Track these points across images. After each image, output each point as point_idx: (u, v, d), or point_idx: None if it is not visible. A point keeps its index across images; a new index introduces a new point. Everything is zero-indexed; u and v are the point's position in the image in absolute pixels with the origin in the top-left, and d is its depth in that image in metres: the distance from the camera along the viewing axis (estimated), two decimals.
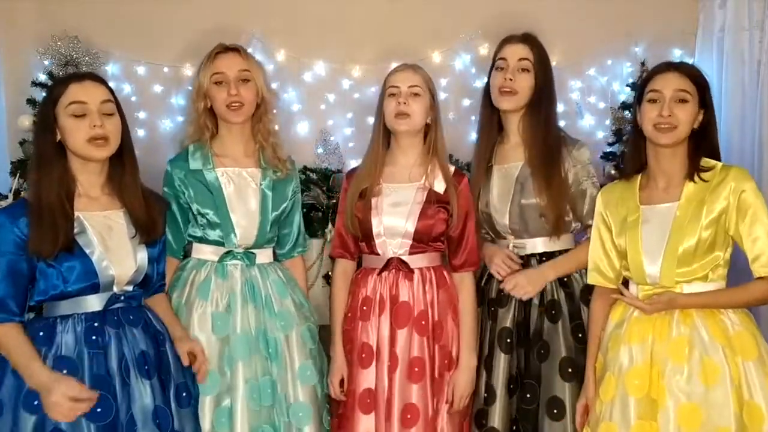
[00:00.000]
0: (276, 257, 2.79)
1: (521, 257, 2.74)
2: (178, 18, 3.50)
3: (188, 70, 3.50)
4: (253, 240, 2.65)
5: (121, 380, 2.22)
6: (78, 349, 2.21)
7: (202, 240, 2.68)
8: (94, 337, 2.22)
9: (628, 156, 2.61)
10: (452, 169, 2.75)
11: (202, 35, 3.44)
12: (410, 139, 2.70)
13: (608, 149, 3.43)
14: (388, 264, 2.68)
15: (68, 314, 2.25)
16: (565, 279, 2.71)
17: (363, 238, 2.71)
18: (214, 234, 2.65)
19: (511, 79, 2.71)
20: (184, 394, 2.36)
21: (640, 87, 2.52)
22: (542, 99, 2.76)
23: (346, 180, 2.78)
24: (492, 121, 2.84)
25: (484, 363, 2.71)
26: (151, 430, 2.23)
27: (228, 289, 2.61)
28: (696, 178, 2.40)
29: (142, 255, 2.34)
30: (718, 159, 2.46)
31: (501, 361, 2.66)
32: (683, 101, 2.39)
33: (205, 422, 2.49)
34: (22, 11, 3.49)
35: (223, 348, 2.56)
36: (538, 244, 2.74)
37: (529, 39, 2.77)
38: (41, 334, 2.22)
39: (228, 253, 2.65)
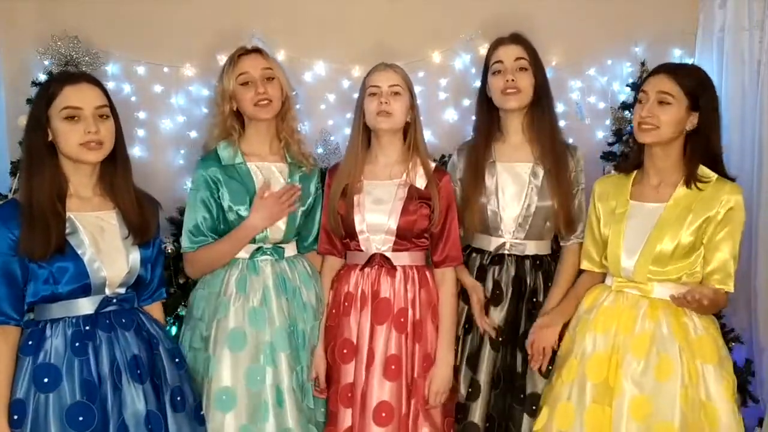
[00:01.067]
0: (299, 250, 2.83)
1: (516, 258, 2.76)
2: (178, 18, 3.50)
3: (188, 70, 3.51)
4: (282, 234, 2.69)
5: (113, 385, 2.19)
6: (68, 355, 2.18)
7: None
8: (78, 344, 2.18)
9: (630, 152, 2.68)
10: (433, 165, 2.78)
11: (202, 35, 3.46)
12: (390, 138, 2.73)
13: (608, 149, 3.43)
14: (371, 260, 2.69)
15: (59, 318, 2.22)
16: (551, 283, 2.76)
17: (346, 235, 2.73)
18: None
19: (513, 80, 2.72)
20: (178, 398, 2.31)
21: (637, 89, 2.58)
22: (543, 97, 2.78)
23: (328, 176, 2.80)
24: (492, 121, 2.85)
25: (470, 359, 2.73)
26: None
27: (261, 284, 2.64)
28: (691, 186, 2.45)
29: (135, 256, 2.31)
30: (720, 163, 2.49)
31: (487, 358, 2.70)
32: (664, 103, 2.44)
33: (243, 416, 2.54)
34: (22, 11, 3.49)
35: (262, 341, 2.60)
36: (533, 247, 2.78)
37: (520, 39, 2.79)
38: (30, 342, 2.19)
39: (258, 249, 2.68)
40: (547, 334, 2.63)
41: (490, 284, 2.76)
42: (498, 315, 2.73)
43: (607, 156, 3.41)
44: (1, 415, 2.12)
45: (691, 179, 2.45)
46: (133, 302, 2.35)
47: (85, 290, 2.23)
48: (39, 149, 2.23)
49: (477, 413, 2.68)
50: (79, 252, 2.21)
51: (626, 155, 3.31)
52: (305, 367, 2.66)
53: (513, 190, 2.77)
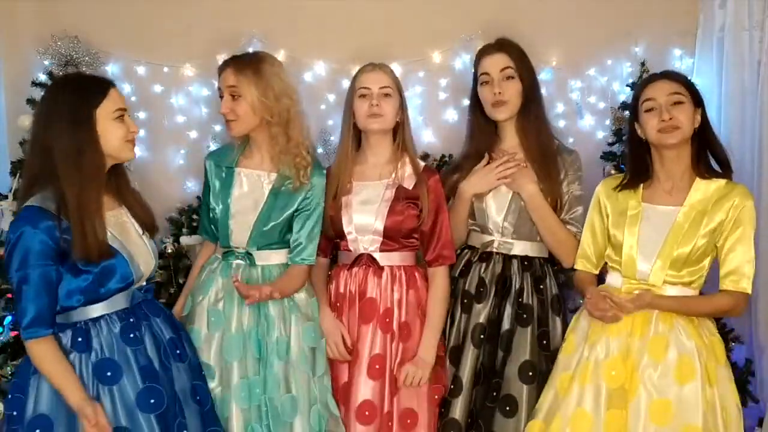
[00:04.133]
0: None
1: (504, 256, 2.77)
2: (178, 18, 3.50)
3: (188, 70, 3.50)
4: (245, 242, 2.66)
5: (163, 367, 2.31)
6: (118, 348, 2.25)
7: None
8: (132, 335, 2.28)
9: (630, 169, 2.63)
10: (422, 165, 2.78)
11: (202, 35, 3.46)
12: (380, 138, 2.74)
13: (608, 149, 3.43)
14: (358, 260, 2.71)
15: (98, 316, 2.26)
16: (541, 286, 2.76)
17: (337, 236, 2.74)
18: (216, 230, 2.71)
19: (500, 92, 2.74)
20: (202, 372, 2.49)
21: (633, 101, 2.59)
22: (530, 99, 2.80)
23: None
24: (487, 126, 2.86)
25: (452, 354, 2.75)
26: (193, 408, 2.36)
27: (227, 287, 2.64)
28: (706, 176, 2.47)
29: (155, 249, 2.43)
30: (725, 156, 2.51)
31: (470, 355, 2.71)
32: (679, 103, 2.46)
33: None
34: (22, 11, 3.49)
35: (218, 345, 2.59)
36: (523, 247, 2.78)
37: (504, 46, 2.80)
38: (79, 340, 2.23)
39: (231, 252, 2.69)
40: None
41: (475, 280, 2.78)
42: (481, 312, 2.74)
43: (607, 156, 3.41)
44: (80, 394, 2.16)
45: (704, 170, 2.48)
46: (152, 292, 2.46)
47: (128, 287, 2.30)
48: (90, 147, 2.22)
49: (458, 409, 2.68)
50: (121, 252, 2.27)
51: (623, 157, 3.32)
52: (266, 380, 2.59)
53: (499, 190, 2.78)
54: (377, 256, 2.70)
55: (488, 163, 2.78)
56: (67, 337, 2.23)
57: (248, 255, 2.67)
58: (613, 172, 3.35)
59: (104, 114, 2.25)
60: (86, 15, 3.45)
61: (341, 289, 2.73)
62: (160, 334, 2.36)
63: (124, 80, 3.49)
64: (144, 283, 2.39)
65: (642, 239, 2.48)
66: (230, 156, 2.72)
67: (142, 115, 3.51)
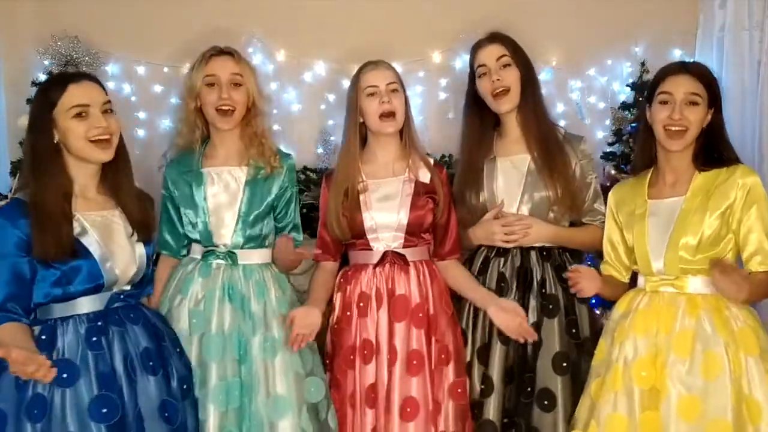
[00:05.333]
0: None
1: (522, 249, 2.74)
2: (178, 18, 3.50)
3: (188, 70, 3.50)
4: (230, 240, 2.65)
5: (128, 378, 2.22)
6: (81, 350, 2.19)
7: (193, 240, 2.71)
8: (95, 339, 2.21)
9: (638, 153, 2.64)
10: (432, 160, 2.79)
11: (202, 35, 3.44)
12: (390, 135, 2.72)
13: (608, 149, 3.43)
14: (383, 258, 2.68)
15: (68, 316, 2.24)
16: (563, 275, 2.71)
17: (353, 236, 2.71)
18: (196, 233, 2.67)
19: (499, 80, 2.73)
20: (185, 387, 2.37)
21: (651, 86, 2.54)
22: (528, 88, 2.77)
23: (324, 183, 2.78)
24: (485, 121, 2.84)
25: (480, 354, 2.71)
26: (159, 425, 2.24)
27: (207, 287, 2.62)
28: (705, 169, 2.44)
29: (141, 253, 2.35)
30: (732, 154, 2.48)
31: (498, 353, 2.67)
32: (694, 104, 2.42)
33: None
34: (22, 11, 3.50)
35: (198, 345, 2.56)
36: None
37: (497, 37, 2.79)
38: (43, 337, 2.21)
39: (211, 252, 2.66)
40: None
41: (495, 276, 2.74)
42: None
43: (607, 156, 3.41)
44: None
45: (704, 163, 2.45)
46: (138, 297, 2.39)
47: (98, 289, 2.25)
48: (45, 151, 2.24)
49: (492, 410, 2.63)
50: (91, 252, 2.23)
51: (628, 156, 3.31)
52: (247, 380, 2.56)
53: (511, 182, 2.76)
54: (403, 251, 2.68)
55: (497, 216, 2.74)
56: (35, 334, 2.21)
57: (230, 254, 2.65)
58: (613, 172, 3.36)
59: (61, 113, 2.23)
60: (86, 15, 3.46)
61: (364, 289, 2.68)
62: (133, 342, 2.27)
63: (124, 80, 3.50)
64: (128, 288, 2.33)
65: (651, 235, 2.47)
66: (191, 160, 2.69)
67: (142, 115, 3.52)
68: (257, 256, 2.69)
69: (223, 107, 2.61)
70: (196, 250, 2.69)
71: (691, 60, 3.43)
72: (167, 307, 2.62)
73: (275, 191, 2.70)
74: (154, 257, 2.52)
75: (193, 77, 2.66)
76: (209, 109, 2.64)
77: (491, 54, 2.75)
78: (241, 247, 2.65)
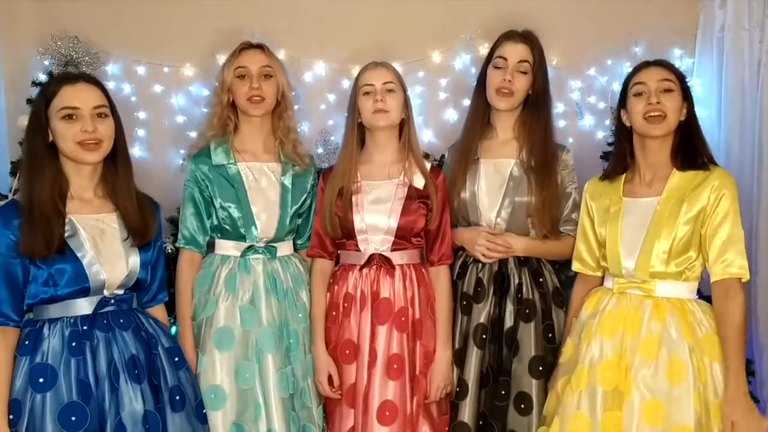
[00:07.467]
0: (295, 248, 2.86)
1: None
2: (178, 18, 3.50)
3: (188, 70, 3.51)
4: (273, 233, 2.72)
5: (110, 385, 2.19)
6: (64, 354, 2.18)
7: (225, 236, 2.74)
8: (75, 344, 2.19)
9: (613, 158, 2.66)
10: (428, 165, 2.79)
11: (202, 35, 3.47)
12: (387, 136, 2.74)
13: (608, 149, 3.43)
14: (370, 260, 2.69)
15: (57, 317, 2.22)
16: (540, 279, 2.75)
17: (343, 236, 2.73)
18: (236, 228, 2.70)
19: (510, 80, 2.73)
20: (177, 398, 2.30)
21: (622, 88, 2.57)
22: (540, 98, 2.78)
23: (322, 180, 2.80)
24: (483, 116, 2.86)
25: (456, 357, 2.73)
26: None
27: (251, 283, 2.67)
28: (686, 170, 2.45)
29: (134, 259, 2.32)
30: (708, 153, 2.49)
31: (474, 356, 2.69)
32: (669, 90, 2.45)
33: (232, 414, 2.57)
34: (22, 11, 3.49)
35: (251, 339, 2.63)
36: None
37: (529, 38, 2.79)
38: (26, 342, 2.20)
39: (249, 248, 2.71)
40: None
41: (472, 281, 2.76)
42: (481, 312, 2.72)
43: (607, 156, 3.41)
44: (1, 415, 2.12)
45: (684, 162, 2.45)
46: (131, 303, 2.35)
47: (84, 292, 2.23)
48: (39, 150, 2.24)
49: (466, 412, 2.66)
50: (78, 254, 2.22)
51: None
52: (299, 367, 2.68)
53: (493, 185, 2.77)
54: (389, 255, 2.69)
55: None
56: (20, 337, 2.21)
57: (269, 248, 2.71)
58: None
59: (53, 114, 2.24)
60: (86, 15, 3.46)
61: (350, 290, 2.70)
62: (120, 348, 2.23)
63: (124, 80, 3.50)
64: (120, 293, 2.31)
65: (624, 235, 2.48)
66: (222, 154, 2.73)
67: (142, 115, 3.52)
68: (287, 247, 2.78)
69: (255, 97, 2.68)
70: (229, 248, 2.72)
71: (691, 60, 3.46)
72: (213, 305, 2.65)
73: (308, 188, 2.81)
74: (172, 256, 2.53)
75: (225, 71, 2.75)
76: (241, 100, 2.71)
77: (516, 53, 2.75)
78: (279, 241, 2.73)
